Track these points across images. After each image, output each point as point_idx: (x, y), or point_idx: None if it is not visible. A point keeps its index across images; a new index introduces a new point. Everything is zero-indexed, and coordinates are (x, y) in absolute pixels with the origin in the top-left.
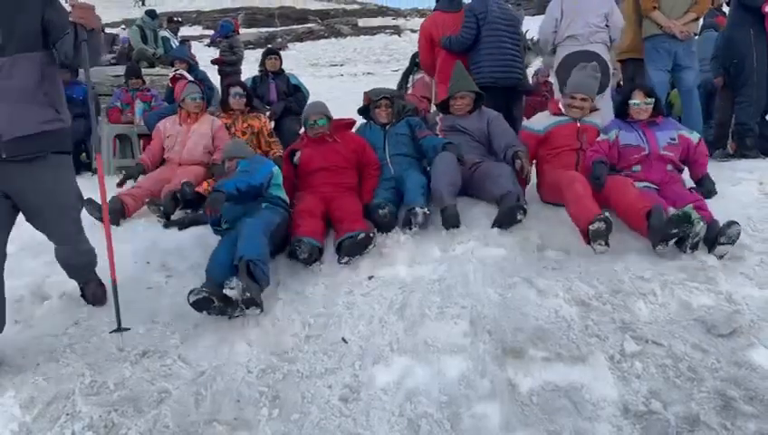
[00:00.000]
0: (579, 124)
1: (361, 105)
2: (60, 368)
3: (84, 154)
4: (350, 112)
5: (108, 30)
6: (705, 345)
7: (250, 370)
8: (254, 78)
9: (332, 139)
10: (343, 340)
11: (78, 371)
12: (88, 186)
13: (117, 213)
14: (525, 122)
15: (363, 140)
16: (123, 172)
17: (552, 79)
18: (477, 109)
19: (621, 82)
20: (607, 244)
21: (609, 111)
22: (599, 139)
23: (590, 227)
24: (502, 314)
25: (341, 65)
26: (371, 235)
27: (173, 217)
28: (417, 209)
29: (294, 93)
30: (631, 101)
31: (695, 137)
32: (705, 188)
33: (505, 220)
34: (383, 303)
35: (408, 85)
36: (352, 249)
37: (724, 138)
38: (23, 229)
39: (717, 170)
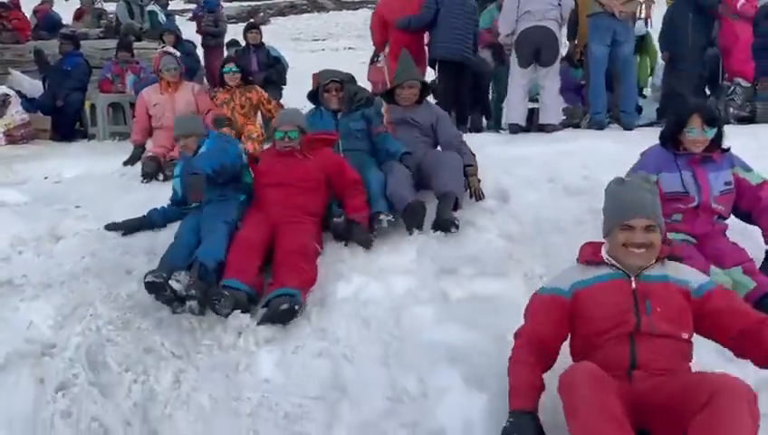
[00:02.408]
0: (634, 280)
1: (311, 89)
2: (81, 284)
3: (79, 123)
4: None
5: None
6: None
7: None
8: (236, 51)
9: (303, 155)
10: None
11: (96, 286)
12: (82, 151)
13: (154, 173)
14: (544, 282)
15: (341, 160)
16: (117, 137)
17: (512, 56)
18: (424, 100)
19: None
20: None
21: (555, 86)
22: None
23: None
24: (444, 246)
25: (324, 40)
26: (296, 307)
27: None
28: (382, 217)
29: (274, 65)
30: (687, 129)
31: (753, 178)
32: None
33: (441, 229)
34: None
35: (379, 59)
36: (273, 318)
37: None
38: (36, 183)
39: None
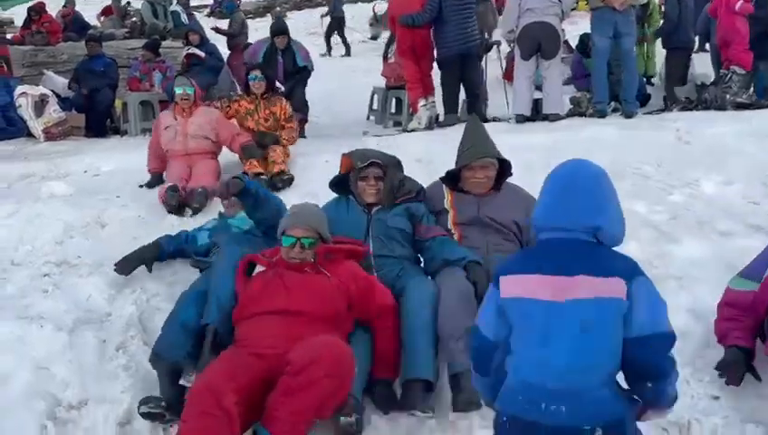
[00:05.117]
0: None
1: (337, 174)
2: None
3: (109, 120)
4: (348, 86)
5: None
6: None
7: None
8: (264, 53)
9: (317, 271)
10: None
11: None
12: (116, 146)
13: (179, 207)
14: None
15: (372, 280)
16: (147, 133)
17: (516, 49)
18: (503, 184)
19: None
20: None
21: (557, 77)
22: (732, 288)
23: None
24: None
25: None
26: None
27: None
28: (419, 414)
29: (300, 71)
30: None
31: None
32: None
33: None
34: None
35: (389, 54)
36: None
37: None
38: (77, 177)
39: None
